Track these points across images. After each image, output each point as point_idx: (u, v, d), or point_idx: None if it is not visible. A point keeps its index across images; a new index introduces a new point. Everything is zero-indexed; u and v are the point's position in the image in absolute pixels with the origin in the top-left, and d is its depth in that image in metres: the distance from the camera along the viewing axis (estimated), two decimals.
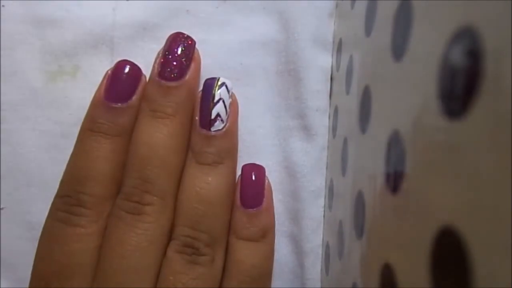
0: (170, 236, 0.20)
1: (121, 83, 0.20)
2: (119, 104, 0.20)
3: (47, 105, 0.23)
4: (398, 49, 0.13)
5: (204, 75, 0.22)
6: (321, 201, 0.23)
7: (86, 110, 0.21)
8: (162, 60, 0.20)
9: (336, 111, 0.22)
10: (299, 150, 0.23)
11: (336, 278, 0.20)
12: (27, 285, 0.20)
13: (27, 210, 0.23)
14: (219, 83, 0.21)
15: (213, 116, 0.20)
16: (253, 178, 0.22)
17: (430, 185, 0.10)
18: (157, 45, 0.22)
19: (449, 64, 0.10)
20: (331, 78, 0.24)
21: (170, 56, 0.20)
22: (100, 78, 0.21)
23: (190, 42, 0.21)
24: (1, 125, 0.23)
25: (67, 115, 0.23)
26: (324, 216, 0.23)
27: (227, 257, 0.21)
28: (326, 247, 0.22)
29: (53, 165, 0.22)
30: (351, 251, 0.17)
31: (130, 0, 0.23)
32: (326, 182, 0.23)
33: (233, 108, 0.21)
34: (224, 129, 0.21)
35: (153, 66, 0.21)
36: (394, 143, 0.13)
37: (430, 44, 0.11)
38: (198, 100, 0.21)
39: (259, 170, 0.22)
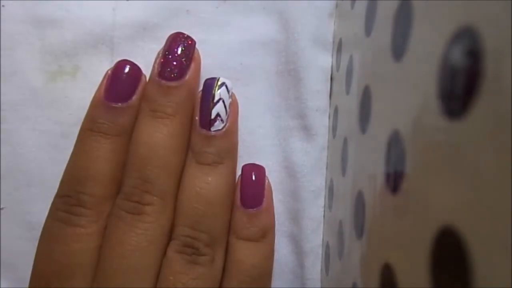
0: (170, 236, 0.20)
1: (121, 83, 0.20)
2: (119, 104, 0.20)
3: (47, 105, 0.23)
4: (398, 49, 0.13)
5: (204, 75, 0.22)
6: (321, 201, 0.23)
7: (86, 110, 0.21)
8: (162, 60, 0.20)
9: (336, 111, 0.22)
10: (299, 150, 0.23)
11: (336, 278, 0.20)
12: (27, 285, 0.20)
13: (27, 210, 0.23)
14: (219, 83, 0.21)
15: (213, 116, 0.20)
16: (253, 178, 0.22)
17: (430, 185, 0.10)
18: (157, 45, 0.22)
19: (449, 64, 0.10)
20: (331, 78, 0.24)
21: (170, 56, 0.20)
22: (100, 78, 0.21)
23: (190, 42, 0.21)
24: (1, 125, 0.23)
25: (67, 115, 0.23)
26: (324, 216, 0.23)
27: (227, 257, 0.21)
28: (326, 247, 0.22)
29: (53, 165, 0.22)
30: (351, 251, 0.17)
31: (130, 0, 0.23)
32: (326, 182, 0.23)
33: (233, 108, 0.21)
34: (224, 129, 0.21)
35: (153, 66, 0.21)
36: (394, 143, 0.13)
37: (430, 44, 0.11)
38: (198, 100, 0.21)
39: (259, 170, 0.22)
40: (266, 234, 0.21)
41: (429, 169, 0.10)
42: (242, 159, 0.23)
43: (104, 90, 0.20)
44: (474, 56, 0.08)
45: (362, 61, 0.18)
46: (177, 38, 0.21)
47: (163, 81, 0.20)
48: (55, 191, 0.20)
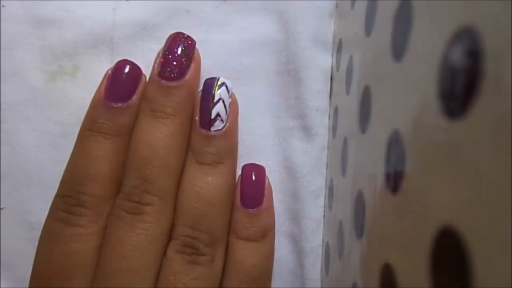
0: (170, 236, 0.20)
1: (121, 83, 0.20)
2: (119, 104, 0.20)
3: (47, 105, 0.23)
4: (398, 49, 0.13)
5: (204, 75, 0.22)
6: (321, 201, 0.23)
7: (86, 110, 0.21)
8: (162, 60, 0.20)
9: (336, 111, 0.22)
10: (299, 150, 0.23)
11: (336, 278, 0.20)
12: (27, 285, 0.20)
13: (27, 210, 0.23)
14: (219, 83, 0.21)
15: (213, 116, 0.20)
16: (253, 178, 0.22)
17: (430, 185, 0.10)
18: (157, 45, 0.22)
19: (449, 64, 0.10)
20: (331, 78, 0.24)
21: (170, 56, 0.20)
22: (100, 78, 0.21)
23: (190, 42, 0.21)
24: (1, 125, 0.23)
25: (67, 115, 0.23)
26: (324, 216, 0.23)
27: (227, 257, 0.21)
28: (326, 247, 0.22)
29: (53, 165, 0.22)
30: (351, 251, 0.17)
31: (130, 0, 0.23)
32: (326, 182, 0.23)
33: (233, 108, 0.21)
34: (224, 129, 0.21)
35: (153, 66, 0.21)
36: (394, 143, 0.13)
37: (430, 44, 0.11)
38: (198, 100, 0.21)
39: (259, 170, 0.22)
40: (266, 234, 0.21)
41: (429, 169, 0.10)
42: (242, 159, 0.23)
43: (104, 90, 0.20)
44: (474, 56, 0.08)
45: (362, 61, 0.18)
46: (177, 38, 0.21)
47: (163, 81, 0.20)
48: (55, 191, 0.20)
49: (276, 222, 0.23)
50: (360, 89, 0.17)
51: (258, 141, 0.23)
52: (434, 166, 0.10)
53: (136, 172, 0.20)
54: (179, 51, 0.21)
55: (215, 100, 0.21)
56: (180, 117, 0.20)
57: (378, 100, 0.15)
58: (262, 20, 0.23)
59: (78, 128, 0.21)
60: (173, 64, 0.20)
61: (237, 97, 0.22)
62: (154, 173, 0.20)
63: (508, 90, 0.07)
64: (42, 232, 0.20)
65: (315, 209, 0.23)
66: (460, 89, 0.09)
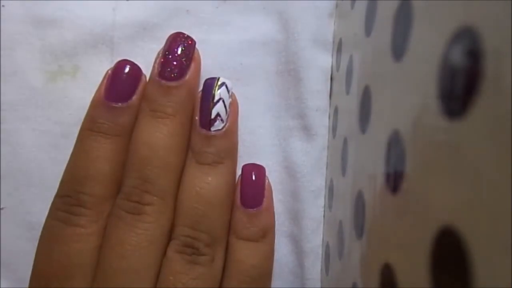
0: (170, 236, 0.20)
1: (121, 82, 0.20)
2: (119, 104, 0.20)
3: (47, 105, 0.23)
4: (398, 49, 0.13)
5: (204, 75, 0.22)
6: (321, 201, 0.23)
7: (86, 110, 0.21)
8: (162, 60, 0.20)
9: (336, 111, 0.22)
10: (299, 150, 0.23)
11: (336, 278, 0.20)
12: (27, 285, 0.20)
13: (27, 210, 0.23)
14: (219, 83, 0.21)
15: (213, 116, 0.20)
16: (253, 178, 0.22)
17: (430, 185, 0.10)
18: (157, 45, 0.22)
19: (449, 64, 0.10)
20: (331, 78, 0.24)
21: (170, 56, 0.20)
22: (100, 78, 0.21)
23: (190, 42, 0.21)
24: (1, 125, 0.23)
25: (67, 115, 0.23)
26: (324, 216, 0.23)
27: (227, 257, 0.21)
28: (326, 247, 0.22)
29: (53, 165, 0.22)
30: (351, 251, 0.17)
31: (130, 0, 0.23)
32: (326, 182, 0.23)
33: (233, 108, 0.21)
34: (224, 129, 0.21)
35: (153, 66, 0.21)
36: (394, 143, 0.13)
37: (430, 44, 0.11)
38: (198, 100, 0.21)
39: (259, 170, 0.22)
40: (266, 234, 0.21)
41: (429, 169, 0.10)
42: (242, 159, 0.23)
43: (104, 90, 0.20)
44: (474, 56, 0.08)
45: (362, 61, 0.18)
46: (177, 38, 0.21)
47: (163, 81, 0.20)
48: (55, 191, 0.20)
49: (276, 222, 0.23)
50: (360, 89, 0.17)
51: (258, 141, 0.23)
52: (434, 166, 0.10)
53: (136, 172, 0.20)
54: (179, 51, 0.21)
55: (215, 100, 0.21)
56: (180, 117, 0.20)
57: (378, 100, 0.15)
58: (262, 20, 0.23)
59: (78, 128, 0.21)
60: (173, 64, 0.20)
61: (237, 97, 0.22)
62: (154, 173, 0.20)
63: (508, 90, 0.07)
64: (42, 232, 0.20)
65: (315, 209, 0.23)
66: (460, 89, 0.09)
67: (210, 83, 0.21)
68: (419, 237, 0.10)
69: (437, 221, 0.10)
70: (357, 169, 0.17)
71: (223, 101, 0.21)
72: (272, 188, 0.23)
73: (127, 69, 0.21)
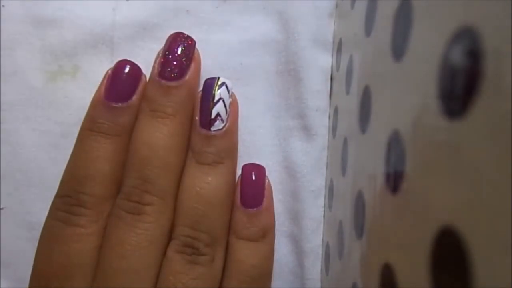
0: (170, 236, 0.20)
1: (121, 82, 0.20)
2: (119, 104, 0.20)
3: (47, 105, 0.23)
4: (398, 49, 0.13)
5: (204, 75, 0.22)
6: (321, 201, 0.23)
7: (86, 110, 0.21)
8: (162, 60, 0.20)
9: (336, 111, 0.22)
10: (299, 150, 0.23)
11: (336, 278, 0.20)
12: (27, 285, 0.20)
13: (27, 210, 0.23)
14: (219, 83, 0.21)
15: (213, 116, 0.20)
16: (253, 178, 0.22)
17: (430, 185, 0.10)
18: (157, 45, 0.22)
19: (449, 64, 0.10)
20: (331, 78, 0.24)
21: (170, 56, 0.20)
22: (100, 78, 0.21)
23: (190, 42, 0.21)
24: (1, 125, 0.23)
25: (67, 115, 0.23)
26: (324, 216, 0.23)
27: (227, 257, 0.21)
28: (326, 247, 0.22)
29: (53, 165, 0.22)
30: (351, 251, 0.17)
31: (130, 0, 0.23)
32: (326, 182, 0.23)
33: (233, 108, 0.21)
34: (224, 128, 0.21)
35: (153, 66, 0.21)
36: (394, 143, 0.13)
37: (430, 44, 0.11)
38: (198, 100, 0.21)
39: (259, 170, 0.22)
40: (266, 234, 0.21)
41: (429, 169, 0.10)
42: (242, 159, 0.23)
43: (104, 90, 0.20)
44: (474, 56, 0.08)
45: (362, 61, 0.18)
46: (177, 38, 0.21)
47: (163, 81, 0.20)
48: (55, 191, 0.20)
49: (276, 222, 0.23)
50: (360, 89, 0.17)
51: (258, 141, 0.23)
52: (434, 166, 0.10)
53: (136, 172, 0.20)
54: (179, 51, 0.21)
55: (215, 100, 0.21)
56: (180, 117, 0.20)
57: (378, 100, 0.15)
58: (262, 20, 0.23)
59: (78, 128, 0.21)
60: (173, 64, 0.20)
61: (237, 97, 0.22)
62: (154, 173, 0.20)
63: (508, 90, 0.07)
64: (42, 232, 0.20)
65: (315, 209, 0.23)
66: (460, 89, 0.09)
67: (210, 83, 0.21)
68: (419, 237, 0.10)
69: (437, 221, 0.10)
70: (357, 169, 0.17)
71: (223, 101, 0.21)
72: (272, 188, 0.23)
73: (127, 69, 0.21)
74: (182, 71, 0.20)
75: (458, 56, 0.09)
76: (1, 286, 0.23)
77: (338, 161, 0.21)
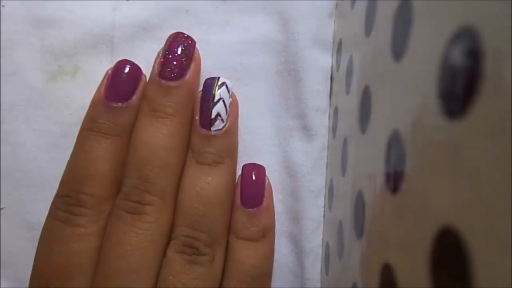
0: (170, 236, 0.20)
1: (121, 82, 0.20)
2: (119, 104, 0.20)
3: (47, 105, 0.23)
4: (398, 49, 0.13)
5: (204, 75, 0.22)
6: (321, 201, 0.23)
7: (86, 110, 0.21)
8: (162, 60, 0.20)
9: (336, 111, 0.22)
10: (299, 150, 0.23)
11: (336, 278, 0.20)
12: (27, 285, 0.20)
13: (27, 210, 0.23)
14: (219, 82, 0.21)
15: (213, 116, 0.20)
16: (253, 178, 0.22)
17: (430, 185, 0.10)
18: (157, 45, 0.22)
19: (449, 64, 0.10)
20: (331, 78, 0.24)
21: (170, 56, 0.20)
22: (100, 78, 0.21)
23: (190, 42, 0.21)
24: (1, 125, 0.23)
25: (67, 115, 0.23)
26: (324, 216, 0.23)
27: (227, 257, 0.21)
28: (326, 247, 0.22)
29: (53, 165, 0.22)
30: (351, 251, 0.17)
31: (130, 0, 0.23)
32: (326, 182, 0.23)
33: (233, 108, 0.21)
34: (224, 128, 0.21)
35: (153, 66, 0.21)
36: (394, 143, 0.13)
37: (430, 44, 0.11)
38: (198, 99, 0.21)
39: (259, 170, 0.22)
40: (266, 234, 0.21)
41: (429, 169, 0.10)
42: (242, 159, 0.23)
43: (104, 90, 0.20)
44: (474, 56, 0.08)
45: (362, 61, 0.18)
46: (177, 38, 0.21)
47: (163, 81, 0.20)
48: (55, 191, 0.20)
49: (276, 222, 0.23)
50: (360, 89, 0.17)
51: (258, 141, 0.23)
52: (434, 166, 0.10)
53: (136, 172, 0.20)
54: (179, 51, 0.21)
55: (215, 100, 0.21)
56: (180, 117, 0.20)
57: (378, 100, 0.15)
58: (262, 20, 0.23)
59: (78, 128, 0.21)
60: (173, 64, 0.20)
61: (237, 97, 0.22)
62: (154, 173, 0.20)
63: (508, 90, 0.07)
64: (42, 232, 0.20)
65: (315, 209, 0.23)
66: (460, 89, 0.09)
67: (210, 83, 0.21)
68: (419, 237, 0.10)
69: (437, 221, 0.10)
70: (357, 169, 0.17)
71: (223, 101, 0.21)
72: (272, 188, 0.23)
73: (127, 69, 0.21)
74: (182, 71, 0.20)
75: (458, 56, 0.09)
76: (1, 286, 0.23)
77: (338, 161, 0.21)
